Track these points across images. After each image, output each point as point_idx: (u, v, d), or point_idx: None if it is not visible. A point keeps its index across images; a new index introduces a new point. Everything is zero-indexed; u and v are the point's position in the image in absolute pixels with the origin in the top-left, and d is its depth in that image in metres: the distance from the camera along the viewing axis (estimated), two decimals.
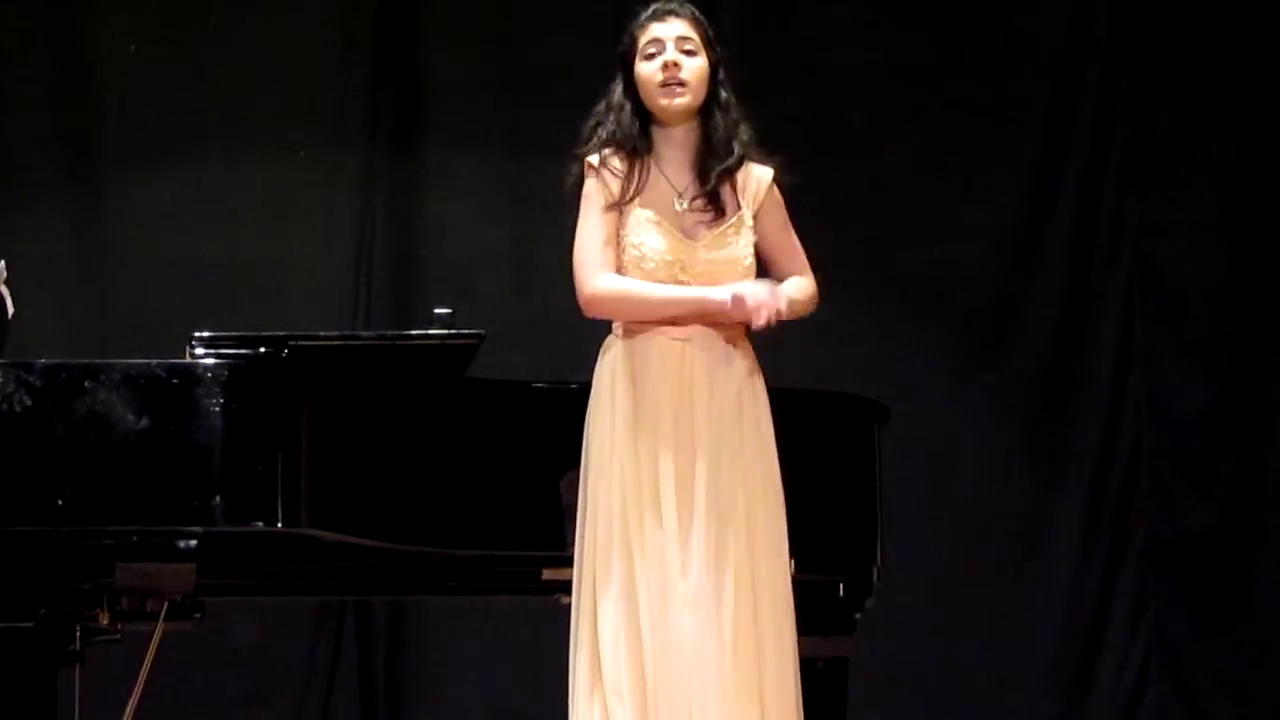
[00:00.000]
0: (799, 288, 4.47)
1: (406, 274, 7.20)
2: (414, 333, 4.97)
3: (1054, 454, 7.25)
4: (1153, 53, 7.33)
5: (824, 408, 5.04)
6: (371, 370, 4.72)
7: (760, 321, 4.32)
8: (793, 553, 4.46)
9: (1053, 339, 7.28)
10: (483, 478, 4.78)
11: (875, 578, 5.12)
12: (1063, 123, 7.33)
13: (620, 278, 4.35)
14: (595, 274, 4.34)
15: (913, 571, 6.56)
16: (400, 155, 7.26)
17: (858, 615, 5.09)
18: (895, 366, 7.11)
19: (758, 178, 4.46)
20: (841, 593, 5.04)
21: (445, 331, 4.75)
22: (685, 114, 4.42)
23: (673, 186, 4.40)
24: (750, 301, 4.29)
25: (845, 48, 7.30)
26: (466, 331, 4.74)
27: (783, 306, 4.32)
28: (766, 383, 4.44)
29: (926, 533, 6.96)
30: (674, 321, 4.35)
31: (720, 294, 4.33)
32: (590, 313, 4.39)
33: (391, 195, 7.24)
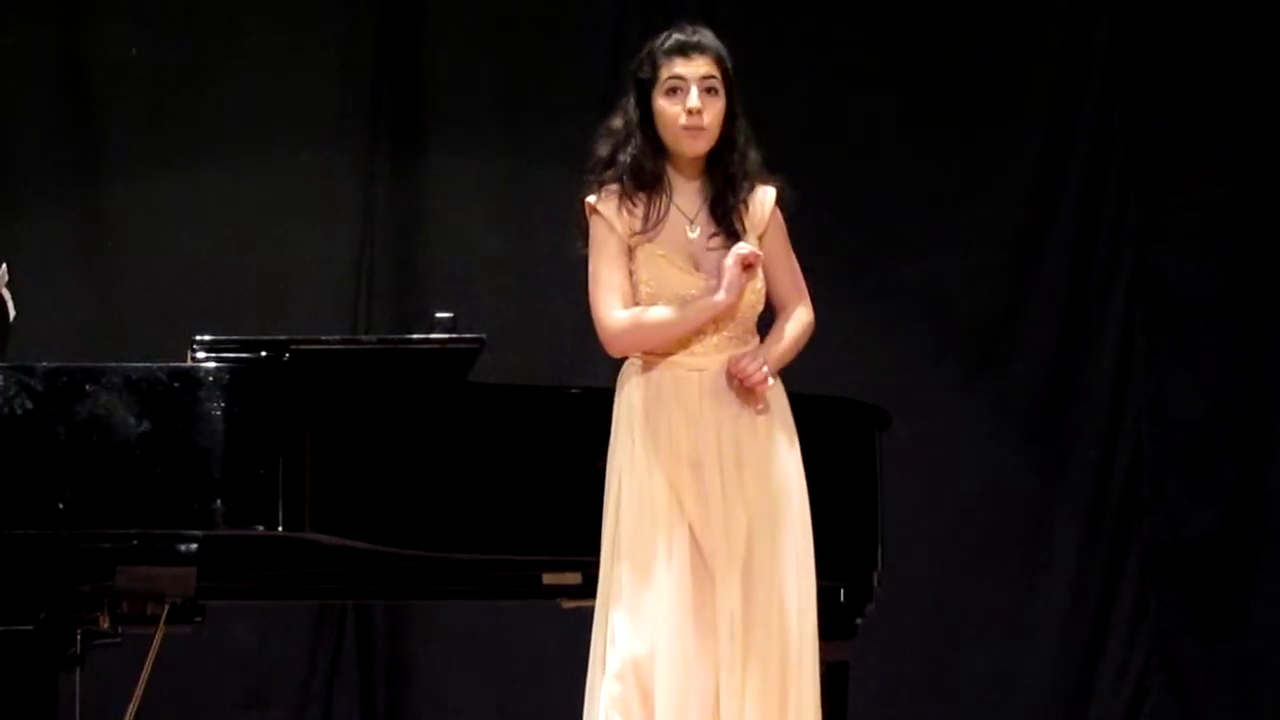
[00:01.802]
0: (788, 340, 4.42)
1: (408, 277, 7.19)
2: (415, 337, 4.98)
3: (1055, 460, 7.25)
4: (1153, 60, 7.33)
5: (825, 413, 5.03)
6: (373, 374, 4.72)
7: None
8: None
9: (1054, 345, 7.27)
10: (484, 482, 4.78)
11: (876, 583, 5.13)
12: (1063, 130, 7.32)
13: (633, 310, 4.34)
14: (611, 312, 4.34)
15: (914, 577, 6.56)
16: (401, 157, 7.25)
17: (858, 620, 5.10)
18: (896, 372, 7.10)
19: (761, 200, 4.43)
20: (842, 598, 5.04)
21: (446, 336, 4.75)
22: (702, 153, 4.40)
23: (683, 214, 4.38)
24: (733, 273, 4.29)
25: (844, 53, 7.30)
26: (468, 336, 4.74)
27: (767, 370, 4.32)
28: None
29: (927, 538, 6.95)
30: (691, 342, 4.34)
31: (725, 296, 4.32)
32: (613, 351, 4.39)
33: (393, 197, 7.23)
